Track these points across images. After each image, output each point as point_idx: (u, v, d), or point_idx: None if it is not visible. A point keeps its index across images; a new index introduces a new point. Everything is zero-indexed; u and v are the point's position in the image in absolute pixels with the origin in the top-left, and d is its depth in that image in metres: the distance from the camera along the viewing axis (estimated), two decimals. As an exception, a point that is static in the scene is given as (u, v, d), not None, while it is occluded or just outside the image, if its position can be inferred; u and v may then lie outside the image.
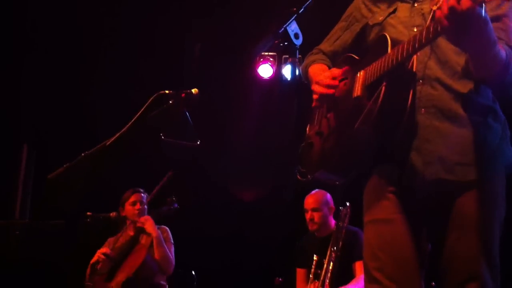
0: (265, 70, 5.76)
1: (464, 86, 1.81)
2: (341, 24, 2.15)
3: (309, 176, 2.03)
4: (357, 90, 1.85)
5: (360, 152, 1.87)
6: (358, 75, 1.88)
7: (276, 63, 5.80)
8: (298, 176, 2.07)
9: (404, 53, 1.69)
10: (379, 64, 1.77)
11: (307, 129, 2.18)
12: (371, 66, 1.81)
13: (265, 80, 5.76)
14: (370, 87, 1.80)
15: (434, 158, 1.78)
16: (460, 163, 1.78)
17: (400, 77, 1.75)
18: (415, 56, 1.76)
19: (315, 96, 2.02)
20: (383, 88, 1.72)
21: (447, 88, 1.81)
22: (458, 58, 1.82)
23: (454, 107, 1.80)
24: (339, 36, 2.14)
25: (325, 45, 2.20)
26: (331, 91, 1.95)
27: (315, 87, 1.99)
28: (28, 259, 4.80)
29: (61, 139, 5.09)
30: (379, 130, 1.76)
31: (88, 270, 3.94)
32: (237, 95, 5.69)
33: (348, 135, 1.84)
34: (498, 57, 1.66)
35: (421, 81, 1.81)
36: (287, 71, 5.67)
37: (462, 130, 1.79)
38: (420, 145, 1.80)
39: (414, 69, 1.77)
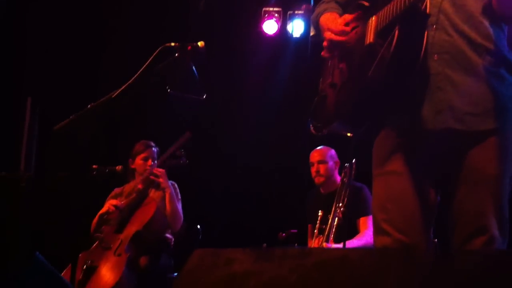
0: (270, 27, 5.68)
1: (479, 34, 1.76)
2: None
3: (324, 130, 2.01)
4: (370, 37, 1.79)
5: (373, 100, 1.82)
6: (370, 21, 1.82)
7: (281, 19, 5.71)
8: (313, 131, 2.04)
9: None
10: (391, 7, 1.71)
11: (320, 82, 2.15)
12: (383, 10, 1.75)
13: (270, 36, 5.69)
14: (383, 32, 1.74)
15: (445, 107, 1.75)
16: (470, 113, 1.75)
17: (413, 20, 1.69)
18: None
19: (325, 44, 1.96)
20: (396, 32, 1.66)
21: (462, 34, 1.76)
22: (475, 3, 1.77)
23: (467, 54, 1.76)
24: None
25: None
26: (342, 38, 1.90)
27: (326, 34, 1.93)
28: (34, 211, 4.84)
29: (65, 92, 5.06)
30: (392, 77, 1.72)
31: (95, 220, 3.95)
32: (243, 51, 5.62)
33: (361, 84, 1.80)
34: None
35: (434, 26, 1.76)
36: (295, 27, 5.59)
37: (475, 79, 1.76)
38: (431, 93, 1.76)
39: (427, 12, 1.71)
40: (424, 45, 1.70)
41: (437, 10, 1.76)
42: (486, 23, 1.77)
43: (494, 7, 1.71)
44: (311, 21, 2.16)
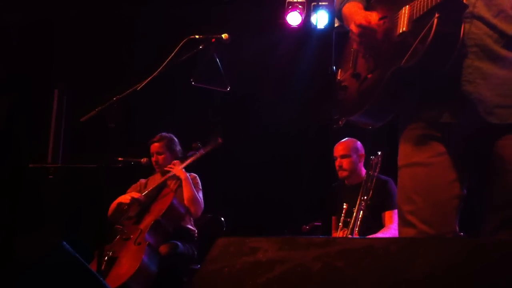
0: (293, 18, 5.64)
1: (510, 27, 1.73)
2: None
3: (340, 122, 1.99)
4: (403, 26, 1.75)
5: (401, 91, 1.80)
6: (403, 10, 1.79)
7: (305, 10, 5.67)
8: (333, 124, 2.02)
9: None
10: None
11: (338, 74, 2.12)
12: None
13: (294, 28, 5.66)
14: (419, 21, 1.71)
15: (475, 100, 1.72)
16: (501, 105, 1.72)
17: (452, 10, 1.66)
18: None
19: (354, 37, 1.93)
20: (436, 20, 1.63)
21: (492, 27, 1.73)
22: None
23: (497, 47, 1.73)
24: None
25: None
26: (371, 32, 1.86)
27: (354, 28, 1.90)
28: (61, 202, 4.92)
29: (92, 84, 5.12)
30: (426, 67, 1.69)
31: (113, 206, 4.02)
32: (267, 43, 5.60)
33: (390, 74, 1.77)
34: None
35: (465, 19, 1.72)
36: (319, 19, 5.55)
37: (504, 71, 1.72)
38: (460, 86, 1.73)
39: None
40: (461, 35, 1.67)
41: (469, 4, 1.73)
42: None
43: None
44: (335, 8, 2.13)
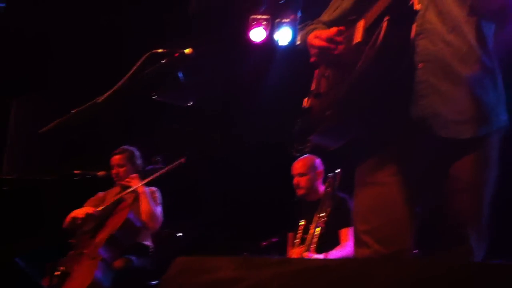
0: (257, 34, 5.69)
1: (465, 43, 1.79)
2: None
3: (306, 150, 1.99)
4: (358, 37, 1.78)
5: (360, 104, 1.79)
6: (358, 24, 1.81)
7: (269, 26, 5.73)
8: (294, 152, 2.03)
9: None
10: (380, 4, 1.72)
11: (304, 102, 2.11)
12: (371, 11, 1.76)
13: (257, 44, 5.71)
14: (371, 29, 1.73)
15: (430, 114, 1.76)
16: (455, 121, 1.77)
17: (402, 14, 1.69)
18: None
19: (314, 51, 1.95)
20: (385, 23, 1.65)
21: (447, 43, 1.78)
22: (460, 11, 1.79)
23: (453, 64, 1.78)
24: (338, 5, 2.08)
25: (325, 16, 2.15)
26: (332, 45, 1.88)
27: (315, 42, 1.92)
28: (16, 215, 4.79)
29: (51, 95, 5.04)
30: (379, 73, 1.70)
31: (67, 220, 3.94)
32: (230, 58, 5.63)
33: (349, 85, 1.77)
34: None
35: (420, 35, 1.77)
36: (282, 35, 5.61)
37: (459, 88, 1.78)
38: (415, 101, 1.76)
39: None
40: (412, 37, 1.69)
41: (421, 19, 1.78)
42: (472, 32, 1.80)
43: (474, 5, 1.73)
44: (301, 41, 2.14)
